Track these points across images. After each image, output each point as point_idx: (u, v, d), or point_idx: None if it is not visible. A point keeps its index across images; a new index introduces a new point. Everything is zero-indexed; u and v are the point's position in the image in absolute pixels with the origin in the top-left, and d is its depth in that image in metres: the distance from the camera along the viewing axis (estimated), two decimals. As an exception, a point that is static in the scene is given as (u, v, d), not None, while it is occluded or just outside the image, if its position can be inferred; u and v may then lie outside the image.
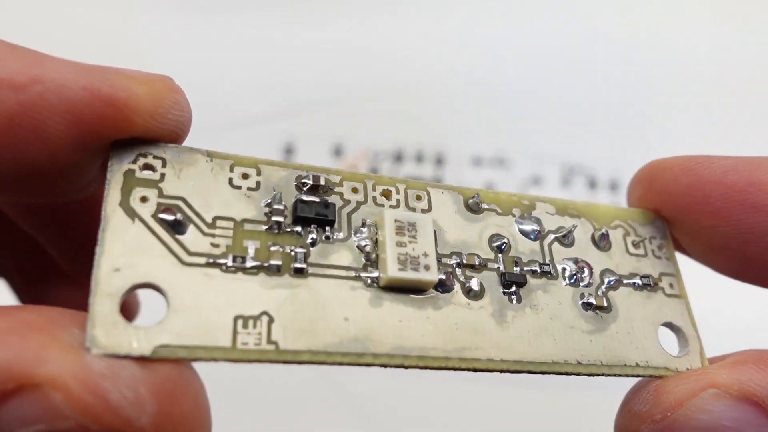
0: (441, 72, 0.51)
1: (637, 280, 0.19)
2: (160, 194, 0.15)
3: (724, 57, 0.52)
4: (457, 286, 0.17)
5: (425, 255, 0.16)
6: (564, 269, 0.18)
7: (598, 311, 0.18)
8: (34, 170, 0.14)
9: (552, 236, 0.19)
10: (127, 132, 0.15)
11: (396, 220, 0.16)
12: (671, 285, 0.19)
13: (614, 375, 0.17)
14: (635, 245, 0.20)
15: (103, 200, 0.15)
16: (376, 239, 0.16)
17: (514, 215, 0.19)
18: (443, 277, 0.17)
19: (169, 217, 0.15)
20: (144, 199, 0.15)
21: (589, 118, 0.50)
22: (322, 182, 0.17)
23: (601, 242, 0.19)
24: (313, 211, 0.16)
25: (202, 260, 0.15)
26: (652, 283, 0.19)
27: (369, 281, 0.16)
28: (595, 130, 0.48)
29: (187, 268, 0.15)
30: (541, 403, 0.39)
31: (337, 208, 0.17)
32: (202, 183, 0.16)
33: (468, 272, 0.17)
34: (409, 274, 0.16)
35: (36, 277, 0.18)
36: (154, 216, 0.15)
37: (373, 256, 0.16)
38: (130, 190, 0.15)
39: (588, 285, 0.18)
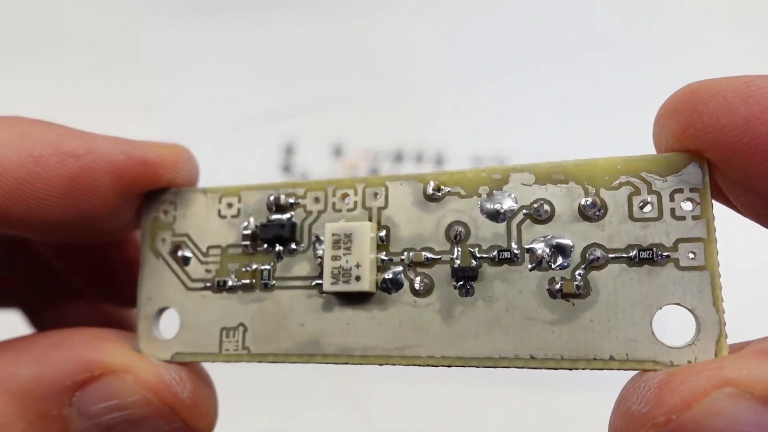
0: (441, 72, 0.48)
1: (635, 254, 0.16)
2: (173, 234, 0.20)
3: (726, 56, 0.48)
4: (406, 285, 0.18)
5: (357, 266, 0.17)
6: (532, 252, 0.17)
7: (569, 298, 0.16)
8: (88, 217, 0.20)
9: (522, 214, 0.17)
10: (156, 183, 0.20)
11: (333, 234, 0.18)
12: (692, 254, 0.15)
13: (578, 369, 0.16)
14: (645, 206, 0.16)
15: (141, 244, 0.20)
16: None
17: (480, 195, 0.17)
18: (390, 276, 0.18)
19: (178, 253, 0.20)
20: (163, 240, 0.20)
21: (590, 118, 0.45)
22: (282, 201, 0.19)
23: (589, 211, 0.16)
24: (270, 233, 0.19)
25: (200, 285, 0.19)
26: (657, 255, 0.16)
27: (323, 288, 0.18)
28: (596, 129, 0.45)
29: (190, 292, 0.20)
30: (541, 404, 0.32)
31: (299, 223, 0.19)
32: (199, 218, 0.20)
33: (418, 269, 0.17)
34: (341, 287, 0.17)
35: (55, 301, 0.25)
36: (169, 253, 0.20)
37: None
38: (155, 234, 0.20)
39: (563, 267, 0.16)
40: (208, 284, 0.19)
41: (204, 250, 0.20)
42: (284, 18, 0.52)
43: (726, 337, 0.15)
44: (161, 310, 0.20)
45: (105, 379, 0.18)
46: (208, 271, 0.20)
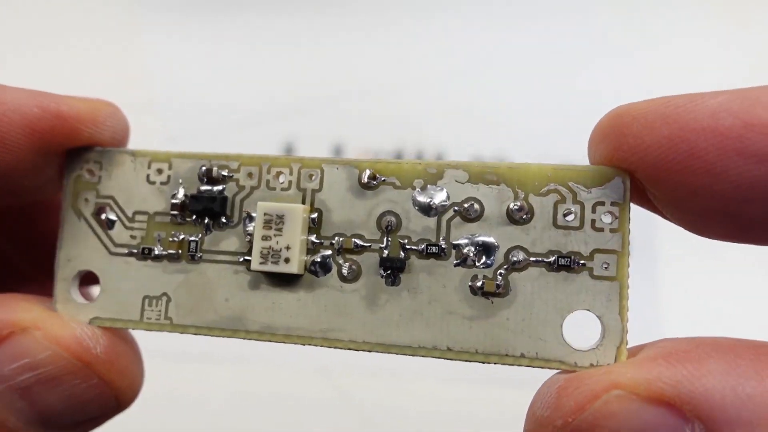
0: (441, 72, 0.48)
1: (555, 259, 0.17)
2: (97, 195, 0.19)
3: (725, 60, 0.50)
4: (334, 269, 0.18)
5: (287, 248, 0.18)
6: (458, 248, 0.17)
7: (488, 296, 0.17)
8: (2, 173, 0.18)
9: (453, 210, 0.17)
10: (74, 140, 0.19)
11: (265, 214, 0.18)
12: (605, 265, 0.16)
13: (492, 364, 0.17)
14: (568, 215, 0.17)
15: (62, 203, 0.20)
16: None
17: (414, 187, 0.18)
18: (319, 260, 0.18)
19: (102, 216, 0.19)
20: (86, 201, 0.19)
21: (590, 119, 0.41)
22: (215, 174, 0.19)
23: (516, 215, 0.17)
24: (201, 206, 0.18)
25: (124, 250, 0.19)
26: (574, 263, 0.16)
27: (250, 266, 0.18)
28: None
29: (113, 257, 0.19)
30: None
31: (230, 197, 0.19)
32: (126, 181, 0.19)
33: (347, 255, 0.18)
34: (269, 267, 0.18)
35: (6, 287, 0.24)
36: (93, 214, 0.19)
37: None
38: (77, 193, 0.19)
39: (487, 266, 0.17)
40: (133, 250, 0.19)
41: (129, 215, 0.19)
42: (285, 18, 0.51)
43: (626, 343, 0.16)
44: (81, 273, 0.19)
45: (15, 338, 0.18)
46: (133, 237, 0.19)
